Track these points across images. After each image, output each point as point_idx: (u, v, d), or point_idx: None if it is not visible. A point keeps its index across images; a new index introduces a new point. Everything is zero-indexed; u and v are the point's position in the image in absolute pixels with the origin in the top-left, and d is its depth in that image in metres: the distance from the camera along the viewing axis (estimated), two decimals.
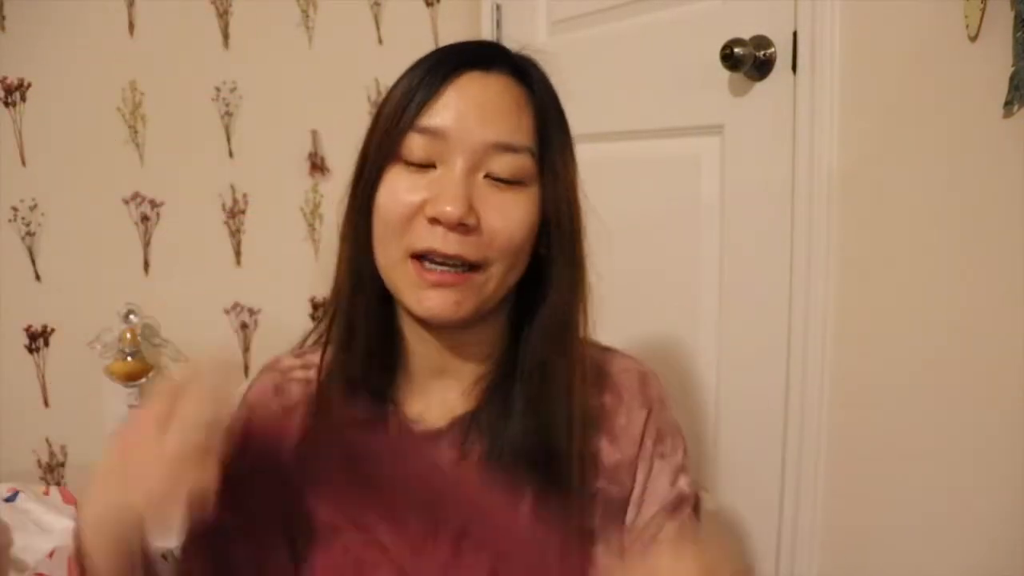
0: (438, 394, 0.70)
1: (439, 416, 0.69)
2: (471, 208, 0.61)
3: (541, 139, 0.65)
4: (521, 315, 0.68)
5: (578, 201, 0.69)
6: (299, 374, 0.72)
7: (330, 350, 0.69)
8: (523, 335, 0.67)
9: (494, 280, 0.64)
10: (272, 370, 0.74)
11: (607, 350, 0.74)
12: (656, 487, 0.69)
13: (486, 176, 0.63)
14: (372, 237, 0.65)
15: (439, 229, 0.61)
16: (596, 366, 0.72)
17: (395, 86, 0.66)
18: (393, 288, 0.65)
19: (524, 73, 0.66)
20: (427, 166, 0.63)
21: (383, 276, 0.65)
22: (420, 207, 0.62)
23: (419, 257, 0.62)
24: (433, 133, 0.62)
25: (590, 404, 0.69)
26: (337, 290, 0.68)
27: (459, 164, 0.62)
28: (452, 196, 0.60)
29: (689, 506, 0.69)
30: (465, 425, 0.68)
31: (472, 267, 0.62)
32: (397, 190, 0.63)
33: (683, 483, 0.70)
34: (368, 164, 0.65)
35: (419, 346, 0.69)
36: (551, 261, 0.66)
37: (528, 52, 0.69)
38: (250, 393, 0.74)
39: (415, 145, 0.62)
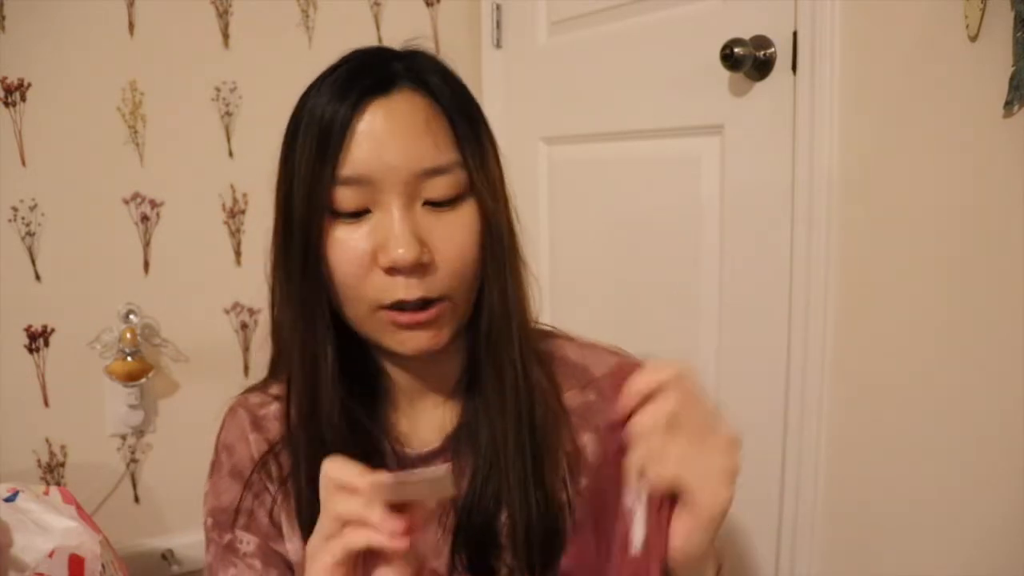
0: (424, 412, 0.70)
1: (430, 433, 0.70)
2: (422, 245, 0.59)
3: (462, 146, 0.63)
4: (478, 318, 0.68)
5: (507, 194, 0.67)
6: (273, 408, 0.71)
7: (292, 413, 0.67)
8: (477, 340, 0.66)
9: (462, 302, 0.64)
10: (240, 407, 0.73)
11: (591, 347, 0.73)
12: None
13: (424, 204, 0.61)
14: (321, 293, 0.62)
15: (399, 278, 0.60)
16: (578, 365, 0.71)
17: (296, 127, 0.63)
18: (369, 336, 0.64)
19: (424, 82, 0.63)
20: (362, 212, 0.60)
21: (355, 327, 0.64)
22: (372, 258, 0.60)
23: (387, 306, 0.61)
24: (357, 182, 0.59)
25: (573, 404, 0.69)
26: (290, 360, 0.66)
27: (394, 203, 0.60)
28: (400, 239, 0.58)
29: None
30: (456, 441, 0.68)
31: (439, 298, 0.62)
32: (345, 248, 0.60)
33: None
34: (296, 220, 0.62)
35: (399, 374, 0.69)
36: (492, 262, 0.65)
37: (416, 46, 0.66)
38: (225, 436, 0.72)
39: (343, 198, 0.60)
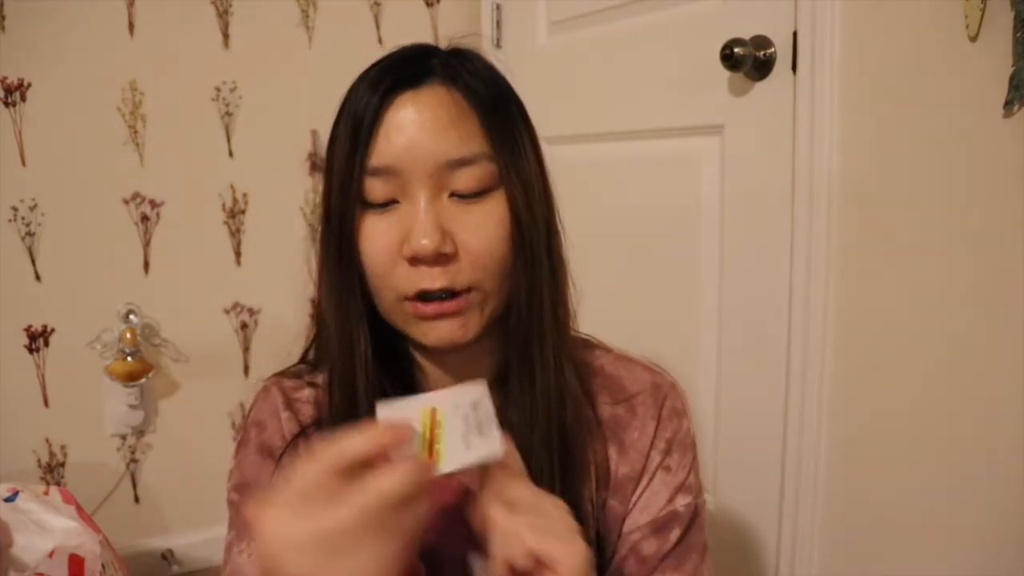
0: None
1: None
2: (444, 235, 0.60)
3: (492, 139, 0.62)
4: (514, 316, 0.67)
5: (548, 191, 0.67)
6: (306, 392, 0.71)
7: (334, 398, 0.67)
8: (508, 338, 0.65)
9: (492, 295, 0.63)
10: (274, 387, 0.73)
11: (626, 361, 0.72)
12: (650, 500, 0.68)
13: (451, 195, 0.61)
14: (355, 281, 0.63)
15: (422, 268, 0.60)
16: (613, 377, 0.70)
17: (338, 119, 0.64)
18: (397, 326, 0.64)
19: (455, 77, 0.63)
20: (391, 203, 0.61)
21: (384, 316, 0.64)
22: (398, 249, 0.61)
23: (411, 297, 0.61)
24: (385, 172, 0.60)
25: (602, 415, 0.68)
26: (330, 348, 0.66)
27: (420, 194, 0.60)
28: (423, 229, 0.59)
29: (680, 526, 0.67)
30: None
31: (466, 290, 0.61)
32: (373, 238, 0.61)
33: (681, 502, 0.68)
34: (333, 210, 0.63)
35: (432, 369, 0.69)
36: (522, 257, 0.63)
37: (463, 44, 0.66)
38: (256, 413, 0.72)
39: (372, 188, 0.61)
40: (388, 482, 0.44)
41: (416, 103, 0.61)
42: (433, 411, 0.50)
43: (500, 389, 0.68)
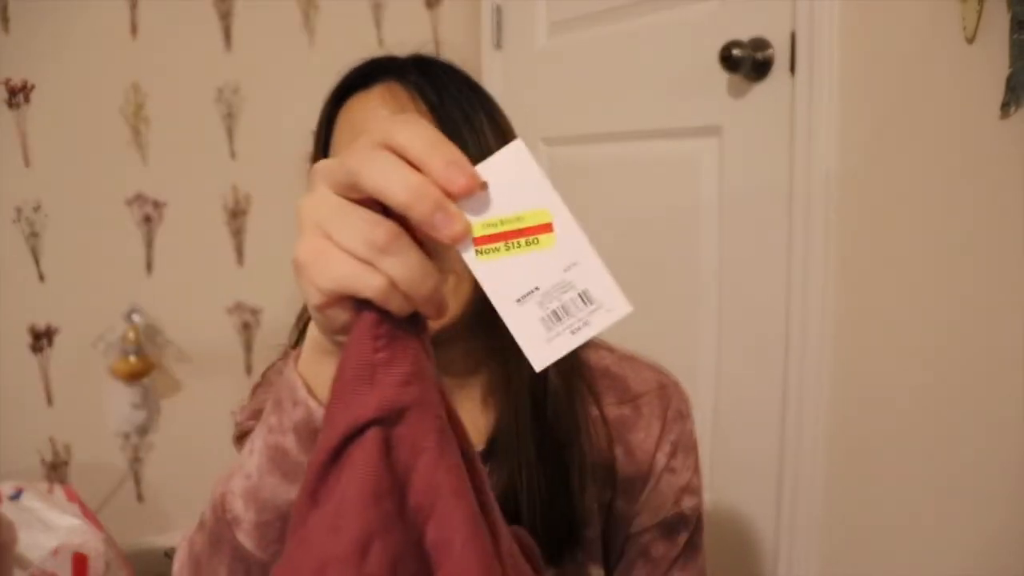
0: (465, 411, 0.69)
1: (474, 434, 0.68)
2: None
3: (443, 123, 0.62)
4: None
5: None
6: None
7: None
8: (475, 328, 0.64)
9: (464, 278, 0.61)
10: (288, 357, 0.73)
11: (631, 359, 0.72)
12: (656, 501, 0.68)
13: None
14: None
15: None
16: (618, 377, 0.71)
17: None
18: None
19: (403, 75, 0.64)
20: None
21: None
22: None
23: None
24: None
25: (608, 415, 0.68)
26: None
27: None
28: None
29: (688, 529, 0.68)
30: (494, 445, 0.66)
31: None
32: None
33: (687, 504, 0.69)
34: None
35: (435, 359, 0.69)
36: None
37: (425, 52, 0.68)
38: (272, 373, 0.75)
39: None
40: (398, 265, 0.33)
41: (364, 101, 0.64)
42: (551, 221, 0.32)
43: (500, 394, 0.67)
